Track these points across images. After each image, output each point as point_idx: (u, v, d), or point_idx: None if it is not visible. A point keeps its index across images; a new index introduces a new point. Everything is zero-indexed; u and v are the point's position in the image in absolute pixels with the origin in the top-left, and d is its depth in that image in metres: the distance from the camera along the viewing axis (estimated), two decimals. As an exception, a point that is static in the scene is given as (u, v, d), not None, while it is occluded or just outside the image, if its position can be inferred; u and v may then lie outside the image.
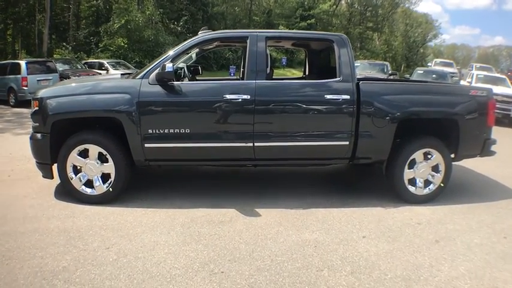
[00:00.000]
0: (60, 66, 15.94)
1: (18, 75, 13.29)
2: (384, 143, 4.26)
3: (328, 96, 4.13)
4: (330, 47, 4.55)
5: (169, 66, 3.88)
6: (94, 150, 4.03)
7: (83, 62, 19.45)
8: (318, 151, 4.26)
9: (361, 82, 4.24)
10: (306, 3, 39.14)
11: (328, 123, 4.21)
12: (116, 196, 4.14)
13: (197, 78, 5.74)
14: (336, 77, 4.25)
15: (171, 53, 4.25)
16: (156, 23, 24.78)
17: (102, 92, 4.07)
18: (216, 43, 5.05)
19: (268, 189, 4.80)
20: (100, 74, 15.54)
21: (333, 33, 4.73)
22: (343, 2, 46.68)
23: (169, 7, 27.36)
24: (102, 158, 4.07)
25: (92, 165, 4.06)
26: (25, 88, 12.98)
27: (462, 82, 17.25)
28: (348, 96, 4.14)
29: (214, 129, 4.09)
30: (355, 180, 5.50)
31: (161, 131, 4.00)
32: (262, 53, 4.19)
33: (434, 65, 30.35)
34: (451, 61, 35.71)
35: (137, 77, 4.11)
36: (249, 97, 4.03)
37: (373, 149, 4.32)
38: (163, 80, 3.96)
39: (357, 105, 4.15)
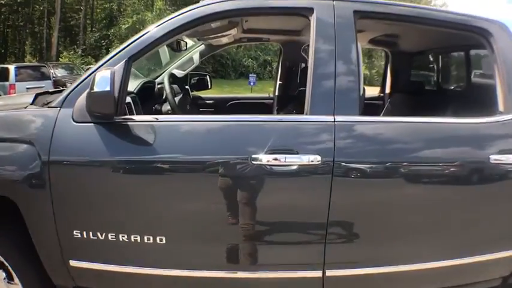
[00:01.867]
0: (60, 72, 14.26)
1: (6, 82, 11.44)
2: None
3: (495, 158, 1.73)
4: (464, 45, 2.35)
5: (103, 75, 1.52)
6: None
7: (87, 67, 17.57)
8: (457, 273, 1.87)
9: None
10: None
11: (485, 216, 1.85)
12: None
13: (201, 96, 3.44)
14: (494, 113, 1.84)
15: (138, 39, 1.75)
16: (169, 19, 23.00)
17: None
18: (234, 29, 2.54)
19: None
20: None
21: (483, 16, 2.14)
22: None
23: (184, 7, 25.61)
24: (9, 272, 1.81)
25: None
26: (13, 97, 11.08)
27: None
28: None
29: (226, 237, 1.71)
30: None
31: (101, 236, 1.65)
32: (349, 47, 1.76)
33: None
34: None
35: (53, 105, 1.75)
36: (318, 159, 1.61)
37: None
38: (95, 113, 1.60)
39: None
